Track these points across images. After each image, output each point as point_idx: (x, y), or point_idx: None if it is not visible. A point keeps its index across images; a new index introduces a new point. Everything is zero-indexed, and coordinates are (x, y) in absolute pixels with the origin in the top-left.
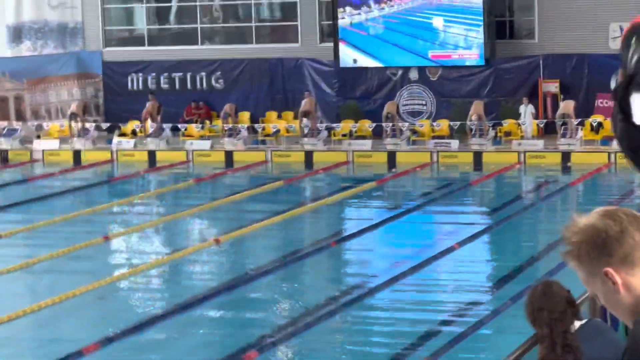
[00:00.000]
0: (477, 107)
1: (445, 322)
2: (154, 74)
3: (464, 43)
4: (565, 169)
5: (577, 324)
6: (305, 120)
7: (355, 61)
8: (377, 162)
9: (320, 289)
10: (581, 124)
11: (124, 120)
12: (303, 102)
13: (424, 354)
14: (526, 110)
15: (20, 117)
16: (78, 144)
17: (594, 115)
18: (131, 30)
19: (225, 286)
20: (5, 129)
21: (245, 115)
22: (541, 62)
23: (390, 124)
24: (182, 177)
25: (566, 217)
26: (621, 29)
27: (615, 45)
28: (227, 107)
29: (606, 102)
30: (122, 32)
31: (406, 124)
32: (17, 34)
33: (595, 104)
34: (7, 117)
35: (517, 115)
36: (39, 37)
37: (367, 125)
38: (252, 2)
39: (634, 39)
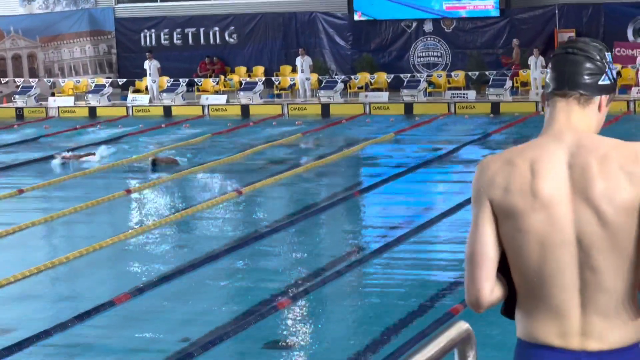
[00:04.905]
0: None
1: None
2: (166, 30)
3: None
4: None
5: None
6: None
7: None
8: (394, 114)
9: (341, 240)
10: None
11: (138, 77)
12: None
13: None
14: (537, 62)
15: (33, 74)
16: (93, 100)
17: None
18: None
19: (246, 238)
20: (20, 87)
21: (259, 70)
22: (557, 11)
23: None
24: (199, 131)
25: None
26: None
27: None
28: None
29: (623, 51)
30: None
31: (423, 76)
32: None
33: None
34: (21, 74)
35: None
36: None
37: (385, 77)
38: None
39: None
